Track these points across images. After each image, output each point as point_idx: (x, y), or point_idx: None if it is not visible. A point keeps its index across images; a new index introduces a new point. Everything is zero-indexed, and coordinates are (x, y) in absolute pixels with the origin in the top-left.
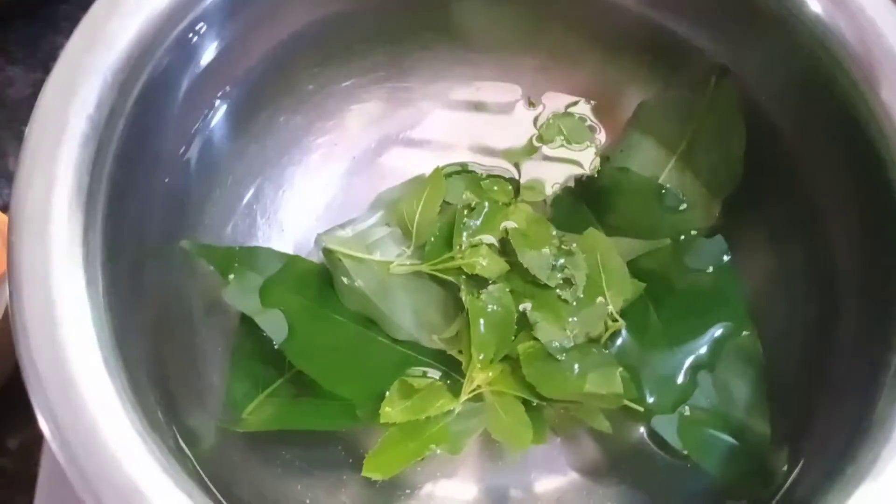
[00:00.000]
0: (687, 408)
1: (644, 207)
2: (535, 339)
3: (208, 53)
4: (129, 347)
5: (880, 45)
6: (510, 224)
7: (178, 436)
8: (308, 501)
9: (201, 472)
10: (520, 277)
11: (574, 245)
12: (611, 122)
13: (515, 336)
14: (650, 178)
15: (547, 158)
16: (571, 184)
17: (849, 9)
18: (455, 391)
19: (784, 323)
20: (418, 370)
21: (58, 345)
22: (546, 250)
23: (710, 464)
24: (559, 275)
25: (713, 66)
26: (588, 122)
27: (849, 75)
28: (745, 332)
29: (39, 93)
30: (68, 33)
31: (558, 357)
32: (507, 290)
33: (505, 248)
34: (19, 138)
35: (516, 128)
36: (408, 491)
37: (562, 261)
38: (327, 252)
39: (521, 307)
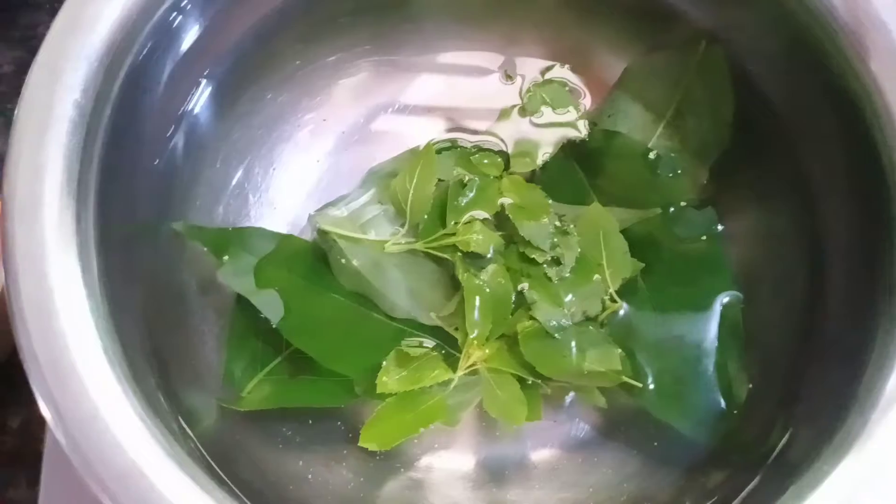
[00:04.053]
0: (669, 376)
1: (636, 172)
2: (533, 318)
3: (192, 33)
4: (126, 332)
5: (869, 14)
6: (506, 200)
7: (180, 416)
8: (310, 476)
9: (203, 452)
10: (516, 256)
11: (571, 226)
12: (594, 86)
13: (513, 314)
14: (640, 141)
15: (536, 127)
16: (562, 151)
17: None
18: (452, 364)
19: (774, 288)
20: (415, 341)
21: (56, 334)
22: (545, 220)
23: (690, 430)
24: (550, 253)
25: (701, 31)
26: (568, 87)
27: (837, 44)
28: (729, 301)
29: (20, 71)
30: (47, 8)
31: (556, 336)
32: (505, 268)
33: (501, 224)
34: (3, 115)
35: (502, 98)
36: (407, 463)
37: (555, 239)
38: (322, 233)
39: (519, 287)
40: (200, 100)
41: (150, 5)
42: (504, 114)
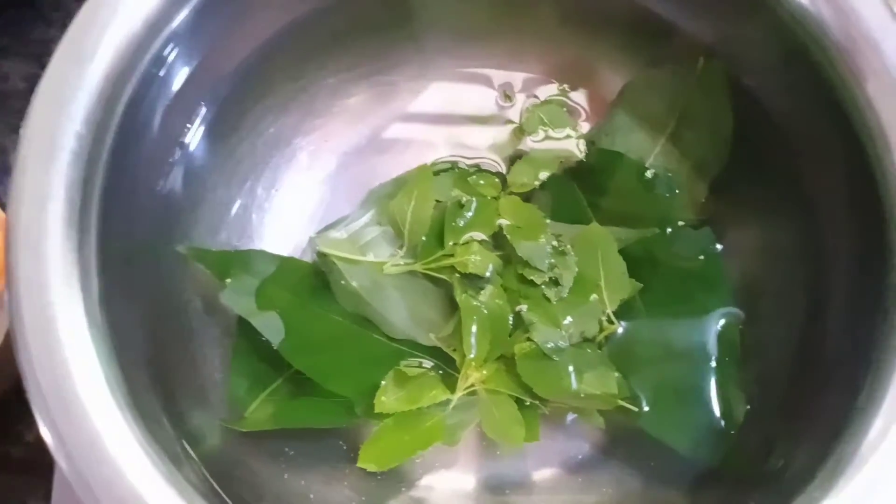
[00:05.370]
0: (667, 395)
1: (633, 191)
2: (531, 339)
3: (190, 60)
4: (129, 356)
5: (861, 33)
6: (504, 221)
7: (183, 438)
8: (311, 496)
9: (205, 473)
10: (514, 277)
11: (568, 246)
12: (593, 104)
13: (511, 335)
14: (638, 160)
15: (534, 147)
16: (560, 170)
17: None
18: (450, 385)
19: (774, 306)
20: (414, 361)
21: (59, 363)
22: (542, 239)
23: (688, 449)
24: (548, 274)
25: (699, 47)
26: (566, 108)
27: (833, 62)
28: (727, 320)
29: (33, 87)
30: (60, 25)
31: (554, 357)
32: (503, 289)
33: (499, 244)
34: (17, 133)
35: (501, 118)
36: (408, 482)
37: (552, 260)
38: (321, 255)
39: (517, 308)
40: (202, 124)
41: (147, 35)
42: (502, 134)
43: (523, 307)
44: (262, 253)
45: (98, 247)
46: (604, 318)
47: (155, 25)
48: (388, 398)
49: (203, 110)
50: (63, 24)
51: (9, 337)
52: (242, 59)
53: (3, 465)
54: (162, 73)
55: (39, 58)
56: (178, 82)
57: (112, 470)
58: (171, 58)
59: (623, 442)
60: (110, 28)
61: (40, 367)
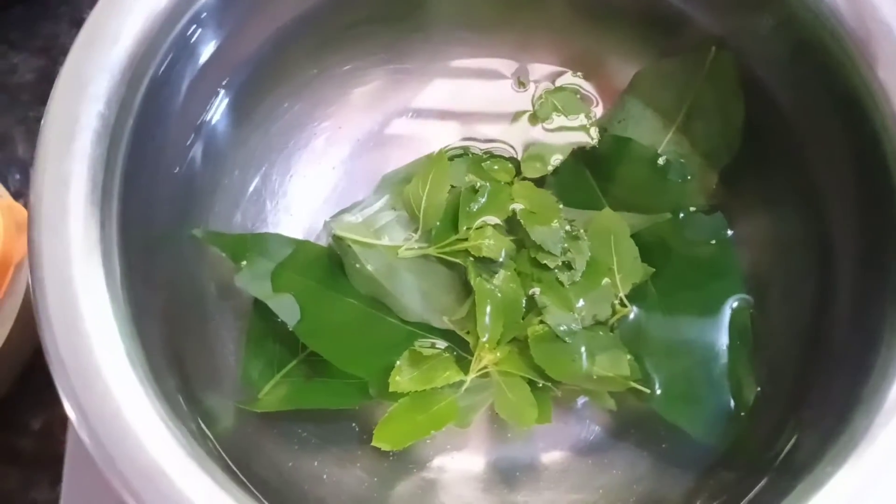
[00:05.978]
0: (678, 379)
1: (645, 177)
2: (544, 321)
3: (211, 44)
4: (148, 335)
5: (876, 20)
6: (518, 206)
7: (199, 418)
8: (325, 476)
9: (221, 453)
10: (528, 260)
11: (581, 230)
12: (605, 92)
13: (524, 318)
14: (650, 147)
15: (547, 133)
16: (573, 156)
17: None
18: (463, 367)
19: (783, 292)
20: (428, 342)
21: (81, 338)
22: (556, 224)
23: (700, 432)
24: (561, 258)
25: (710, 36)
26: (579, 95)
27: (846, 50)
28: (738, 305)
29: (42, 79)
30: (67, 19)
31: (566, 340)
32: (516, 273)
33: (512, 228)
34: (25, 124)
35: (514, 104)
36: (419, 463)
37: (566, 244)
38: (337, 238)
39: (530, 291)
40: (219, 108)
41: (170, 18)
42: (516, 120)
43: (536, 290)
44: (278, 236)
45: (119, 225)
46: (616, 302)
47: (179, 5)
48: (403, 378)
49: (221, 94)
50: (71, 19)
51: (13, 331)
52: (261, 45)
53: (9, 455)
54: (183, 56)
55: (47, 51)
56: (198, 66)
57: (134, 443)
58: (193, 39)
59: (634, 425)
60: (135, 8)
61: (63, 342)
